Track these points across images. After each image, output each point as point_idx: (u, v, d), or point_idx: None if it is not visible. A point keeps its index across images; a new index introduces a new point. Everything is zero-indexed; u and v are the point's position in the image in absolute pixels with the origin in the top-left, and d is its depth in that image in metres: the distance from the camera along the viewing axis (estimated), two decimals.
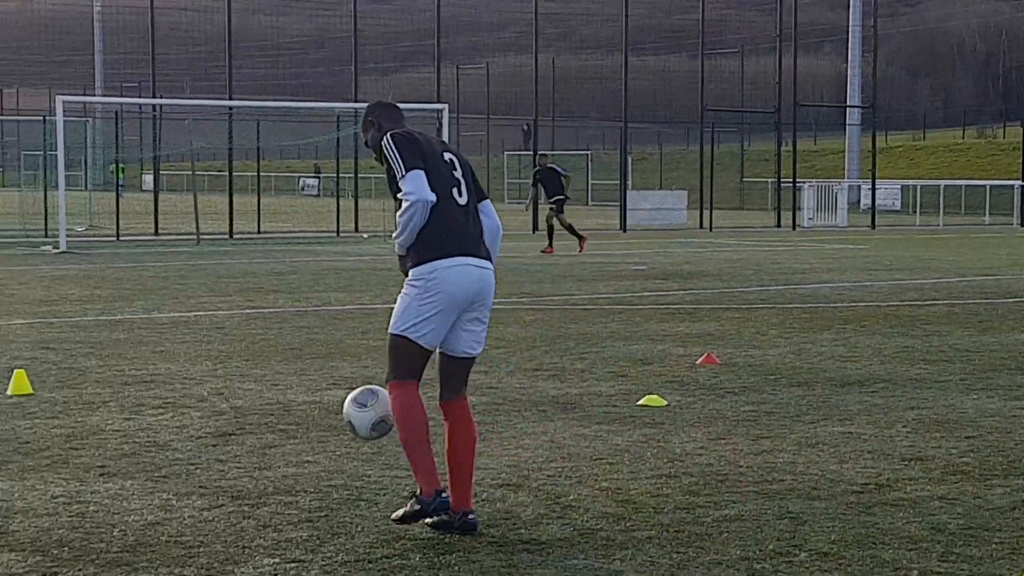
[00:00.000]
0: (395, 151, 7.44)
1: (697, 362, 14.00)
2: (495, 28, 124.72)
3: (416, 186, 7.37)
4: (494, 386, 12.49)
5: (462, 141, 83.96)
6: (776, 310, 19.75)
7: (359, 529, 7.50)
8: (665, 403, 11.51)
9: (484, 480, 8.64)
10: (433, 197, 7.41)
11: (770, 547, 7.18)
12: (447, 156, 7.66)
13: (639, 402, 11.56)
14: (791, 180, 55.28)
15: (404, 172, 7.41)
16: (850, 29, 75.57)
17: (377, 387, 7.82)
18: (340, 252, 34.22)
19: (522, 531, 7.48)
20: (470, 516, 7.41)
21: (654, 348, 15.21)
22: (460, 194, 7.63)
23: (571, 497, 8.25)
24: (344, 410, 7.77)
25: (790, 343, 15.76)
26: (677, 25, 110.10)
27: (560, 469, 9.01)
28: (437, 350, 7.58)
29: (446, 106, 40.90)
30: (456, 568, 6.80)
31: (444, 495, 7.40)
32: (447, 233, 7.50)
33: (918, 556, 7.06)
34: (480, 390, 12.22)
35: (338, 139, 47.16)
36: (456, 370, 7.61)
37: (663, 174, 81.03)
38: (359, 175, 50.10)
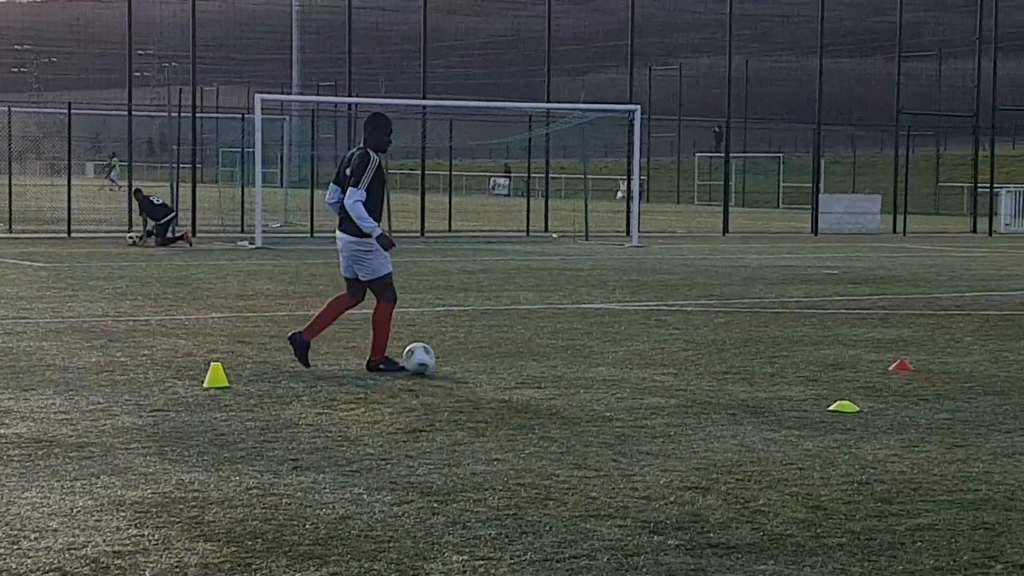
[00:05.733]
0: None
1: (890, 368, 13.80)
2: (689, 29, 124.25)
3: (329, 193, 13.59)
4: (683, 388, 12.44)
5: (653, 142, 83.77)
6: (972, 317, 19.38)
7: (547, 528, 7.51)
8: (857, 409, 11.36)
9: (673, 482, 8.61)
10: (330, 200, 13.53)
11: (964, 558, 7.05)
12: (347, 169, 13.29)
13: (830, 407, 11.42)
14: (988, 185, 54.20)
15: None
16: None
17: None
18: (530, 252, 34.36)
19: (710, 534, 7.43)
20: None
21: (846, 353, 15.02)
22: (343, 192, 13.24)
23: (760, 501, 8.18)
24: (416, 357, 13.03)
25: (986, 351, 15.45)
26: (873, 27, 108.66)
27: (749, 473, 8.93)
28: None
29: (638, 107, 40.86)
30: (643, 570, 6.77)
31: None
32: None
33: None
34: (669, 392, 12.19)
35: (530, 139, 47.32)
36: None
37: (856, 178, 79.97)
38: (550, 175, 50.20)
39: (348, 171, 13.23)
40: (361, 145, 13.48)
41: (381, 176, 13.31)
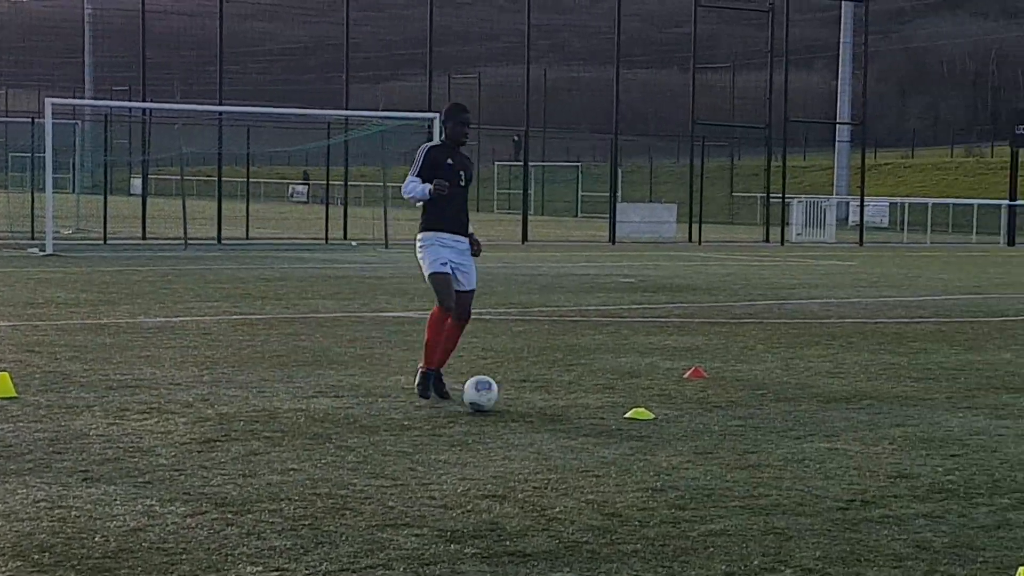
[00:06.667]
0: None
1: (684, 376, 13.98)
2: (487, 38, 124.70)
3: None
4: None
5: None
6: (764, 325, 19.74)
7: (343, 538, 7.46)
8: (652, 416, 11.48)
9: (470, 491, 8.61)
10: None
11: (755, 563, 7.16)
12: None
13: (626, 415, 11.53)
14: (780, 195, 55.33)
15: None
16: (841, 46, 75.69)
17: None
18: (328, 259, 34.18)
19: (507, 543, 7.44)
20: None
21: (642, 361, 15.19)
22: None
23: (557, 509, 8.21)
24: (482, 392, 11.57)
25: (777, 358, 15.74)
26: (669, 39, 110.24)
27: (546, 481, 8.97)
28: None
29: (437, 115, 40.87)
30: None
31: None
32: None
33: (903, 574, 7.04)
34: None
35: (328, 146, 47.10)
36: None
37: (653, 187, 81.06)
38: (349, 182, 50.02)
39: None
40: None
41: (434, 163, 12.46)
